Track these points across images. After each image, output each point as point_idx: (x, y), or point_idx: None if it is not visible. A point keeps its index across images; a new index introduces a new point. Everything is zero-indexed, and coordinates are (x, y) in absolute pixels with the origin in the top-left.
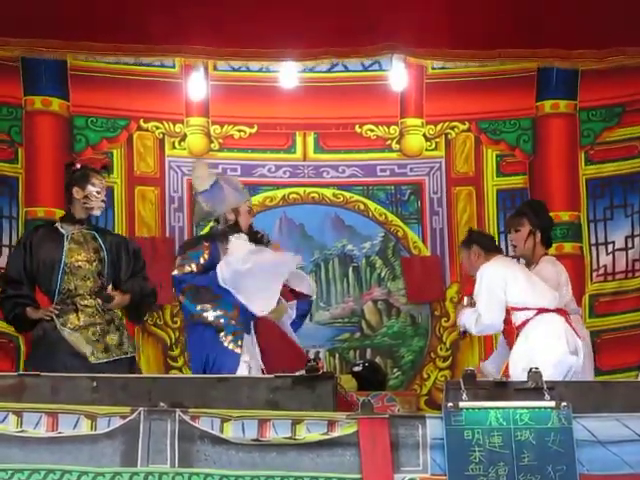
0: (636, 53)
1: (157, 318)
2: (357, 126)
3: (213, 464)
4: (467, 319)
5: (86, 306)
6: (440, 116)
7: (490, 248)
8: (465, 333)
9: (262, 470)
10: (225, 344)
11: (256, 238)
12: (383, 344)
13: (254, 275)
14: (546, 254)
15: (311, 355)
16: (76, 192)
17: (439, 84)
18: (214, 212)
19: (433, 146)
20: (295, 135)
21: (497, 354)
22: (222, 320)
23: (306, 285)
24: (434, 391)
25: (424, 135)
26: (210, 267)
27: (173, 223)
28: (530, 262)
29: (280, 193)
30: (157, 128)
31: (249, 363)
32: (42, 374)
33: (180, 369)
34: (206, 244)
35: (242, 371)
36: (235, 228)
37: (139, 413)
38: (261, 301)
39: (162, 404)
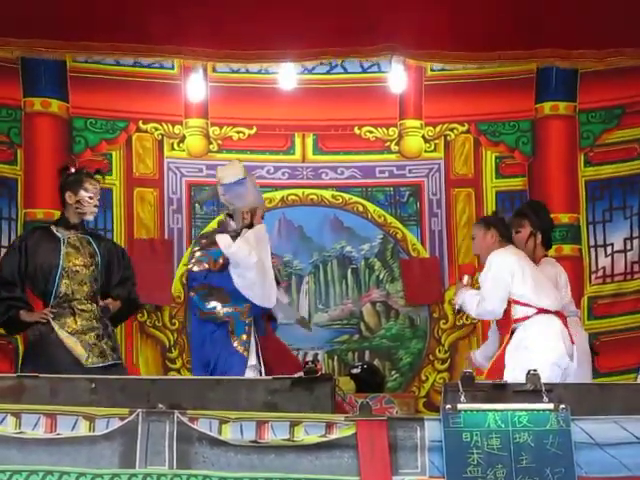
0: (636, 53)
1: (156, 320)
2: (356, 128)
3: (211, 466)
4: (469, 301)
5: (83, 310)
6: (439, 118)
7: (507, 238)
8: (460, 311)
9: (260, 472)
10: (235, 346)
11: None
12: (381, 346)
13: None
14: (546, 256)
15: (309, 357)
16: (69, 197)
17: (438, 86)
18: (230, 205)
19: (432, 148)
20: (294, 136)
21: (487, 344)
22: (233, 316)
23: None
24: (432, 393)
25: (423, 137)
26: (227, 266)
27: (172, 225)
28: None
29: (279, 194)
30: (156, 129)
31: (256, 367)
32: (41, 375)
33: (178, 371)
34: None
35: (249, 375)
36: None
37: (137, 415)
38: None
39: (160, 406)
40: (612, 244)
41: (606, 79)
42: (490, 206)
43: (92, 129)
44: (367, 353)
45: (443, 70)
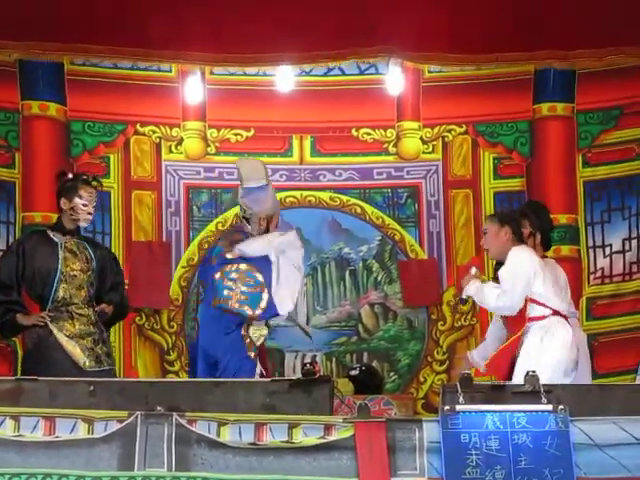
0: (634, 52)
1: (154, 322)
2: (354, 129)
3: (210, 468)
4: (487, 293)
5: (81, 315)
6: (437, 119)
7: (520, 237)
8: (464, 301)
9: (259, 474)
10: (248, 352)
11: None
12: (380, 348)
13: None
14: (545, 256)
15: (307, 359)
16: (63, 203)
17: (436, 87)
18: (247, 209)
19: (430, 149)
20: (292, 138)
21: (485, 344)
22: (241, 314)
23: None
24: (431, 395)
25: (421, 138)
26: None
27: (170, 227)
28: None
29: (277, 196)
30: (154, 132)
31: (262, 373)
32: (39, 378)
33: (177, 373)
34: None
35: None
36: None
37: (136, 417)
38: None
39: (159, 408)
40: (610, 245)
41: (604, 80)
42: (488, 207)
43: (90, 132)
44: (365, 355)
45: (440, 72)
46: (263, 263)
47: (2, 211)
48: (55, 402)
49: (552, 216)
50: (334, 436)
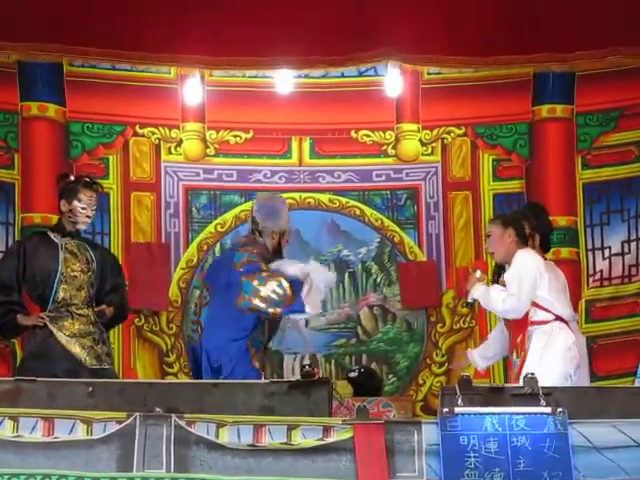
0: (633, 53)
1: (153, 324)
2: (353, 131)
3: (209, 469)
4: (494, 296)
5: (81, 315)
6: (436, 121)
7: (522, 238)
8: (471, 306)
9: (258, 476)
10: (253, 361)
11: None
12: (379, 350)
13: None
14: (544, 258)
15: (306, 361)
16: (63, 205)
17: (435, 89)
18: (260, 223)
19: (429, 151)
20: (291, 140)
21: (487, 344)
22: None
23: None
24: (430, 397)
25: (420, 140)
26: None
27: (169, 229)
28: None
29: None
30: (153, 134)
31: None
32: (38, 379)
33: (176, 375)
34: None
35: None
36: (279, 250)
37: (135, 418)
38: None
39: (158, 409)
40: (610, 247)
41: (603, 82)
42: (487, 209)
43: (89, 133)
44: (364, 357)
45: (439, 74)
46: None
47: (1, 212)
48: (54, 403)
49: (551, 218)
50: (333, 438)
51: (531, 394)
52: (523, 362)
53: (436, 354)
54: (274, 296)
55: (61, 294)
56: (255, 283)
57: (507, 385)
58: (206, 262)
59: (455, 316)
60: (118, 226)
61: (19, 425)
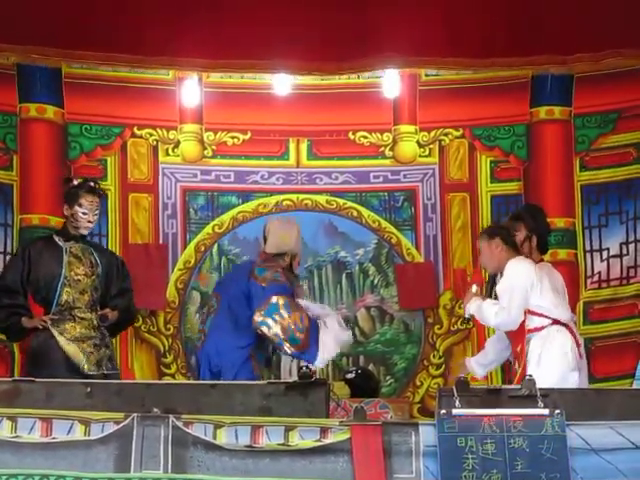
0: (632, 55)
1: (150, 325)
2: (350, 133)
3: (206, 470)
4: (486, 310)
5: (83, 319)
6: (434, 123)
7: (512, 245)
8: (468, 320)
9: (255, 477)
10: (255, 372)
11: (293, 277)
12: (376, 351)
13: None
14: (542, 260)
15: (304, 362)
16: (65, 209)
17: (433, 91)
18: (276, 244)
19: (427, 152)
20: (288, 142)
21: (485, 353)
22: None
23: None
24: (427, 399)
25: (417, 142)
26: None
27: (167, 230)
28: None
29: (273, 200)
30: (151, 135)
31: None
32: (36, 380)
33: (173, 376)
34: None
35: None
36: (291, 271)
37: (133, 419)
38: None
39: (155, 410)
40: (608, 249)
41: (602, 83)
42: (485, 210)
43: (87, 135)
44: (361, 358)
45: (437, 75)
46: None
47: (0, 213)
48: (52, 403)
49: (549, 220)
50: (330, 439)
51: (529, 396)
52: (523, 370)
53: (433, 355)
54: (296, 333)
55: (64, 297)
56: (282, 310)
57: (504, 387)
58: (204, 263)
59: (452, 317)
60: (116, 227)
61: (17, 425)
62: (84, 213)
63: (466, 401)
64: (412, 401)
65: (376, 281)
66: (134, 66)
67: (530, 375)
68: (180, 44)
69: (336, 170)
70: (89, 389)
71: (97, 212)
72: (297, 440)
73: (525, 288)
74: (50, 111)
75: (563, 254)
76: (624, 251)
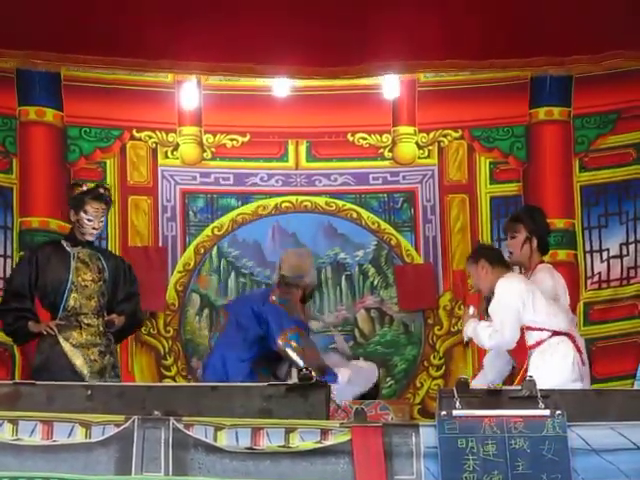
0: (632, 56)
1: (150, 327)
2: (349, 134)
3: (207, 472)
4: (481, 333)
5: (89, 325)
6: (433, 124)
7: (498, 262)
8: (467, 344)
9: (256, 478)
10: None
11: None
12: (376, 352)
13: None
14: (542, 261)
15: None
16: (71, 215)
17: (431, 92)
18: (288, 277)
19: (426, 154)
20: (287, 143)
21: (483, 374)
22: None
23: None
24: (427, 400)
25: (417, 143)
26: None
27: (166, 232)
28: (526, 269)
29: (272, 202)
30: (150, 138)
31: None
32: (37, 383)
33: (173, 378)
34: None
35: None
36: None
37: (133, 421)
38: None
39: (156, 412)
40: (608, 249)
41: (601, 84)
42: (485, 212)
43: (86, 138)
44: (361, 359)
45: (436, 76)
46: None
47: (0, 216)
48: (53, 406)
49: (549, 221)
50: (331, 441)
51: (529, 397)
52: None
53: (434, 357)
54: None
55: (71, 303)
56: (302, 340)
57: (505, 388)
58: (203, 265)
59: (452, 318)
60: (115, 230)
61: (18, 428)
62: (89, 220)
63: (466, 402)
64: (412, 402)
65: (376, 282)
66: (134, 70)
67: (530, 376)
68: (179, 48)
69: (335, 172)
70: (89, 392)
71: (103, 219)
72: (298, 442)
73: (516, 307)
74: (49, 114)
75: (563, 255)
76: (624, 252)
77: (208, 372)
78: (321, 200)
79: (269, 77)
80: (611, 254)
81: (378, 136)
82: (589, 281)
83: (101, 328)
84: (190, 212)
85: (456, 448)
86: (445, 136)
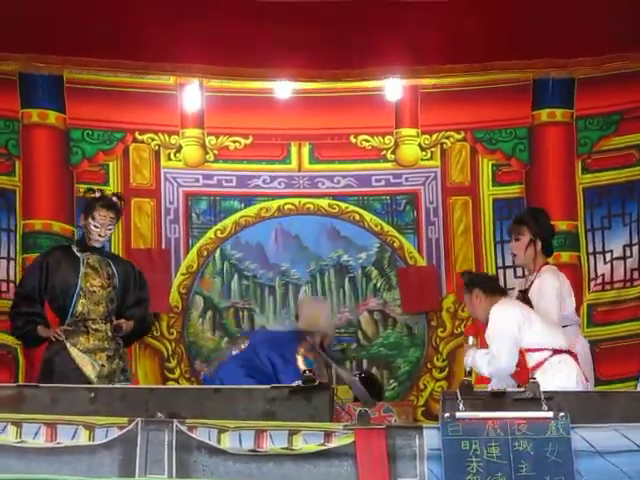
0: (634, 58)
1: (154, 330)
2: (352, 136)
3: (210, 474)
4: (479, 360)
5: (97, 330)
6: (435, 126)
7: (492, 290)
8: (469, 374)
9: None
10: None
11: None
12: (379, 355)
13: None
14: (547, 263)
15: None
16: (81, 219)
17: (434, 94)
18: (307, 322)
19: (428, 156)
20: (290, 146)
21: None
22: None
23: None
24: (431, 402)
25: (419, 145)
26: None
27: (169, 234)
28: (530, 271)
29: (275, 204)
30: (152, 140)
31: None
32: (41, 385)
33: (177, 380)
34: None
35: None
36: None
37: (137, 424)
38: None
39: (159, 415)
40: (611, 251)
41: (603, 85)
42: (487, 214)
43: (89, 140)
44: (365, 362)
45: (439, 78)
46: None
47: (3, 219)
48: (56, 409)
49: (552, 222)
50: (334, 443)
51: (533, 399)
52: None
53: (437, 359)
54: None
55: (79, 308)
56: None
57: (509, 390)
58: (206, 268)
59: (456, 320)
60: (118, 232)
61: (22, 431)
62: (95, 226)
63: (470, 404)
64: (416, 404)
65: (379, 285)
66: (135, 72)
67: (534, 378)
68: (181, 51)
69: (338, 174)
70: (93, 394)
71: (110, 227)
72: (301, 444)
73: (512, 333)
74: (52, 116)
75: (566, 257)
76: (627, 253)
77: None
78: (324, 202)
79: (271, 80)
80: (614, 256)
81: (381, 138)
82: (592, 283)
83: (109, 333)
84: (193, 214)
85: (459, 450)
86: (448, 138)
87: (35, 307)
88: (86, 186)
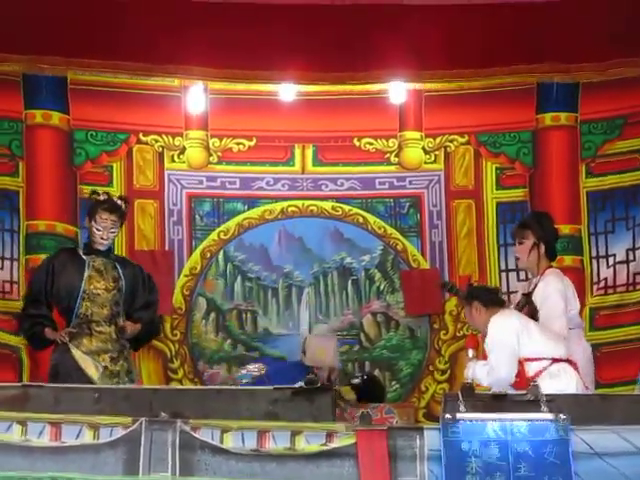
0: (637, 63)
1: None
2: (356, 139)
3: (213, 474)
4: (479, 372)
5: (100, 332)
6: (439, 129)
7: (492, 302)
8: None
9: None
10: None
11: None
12: (382, 357)
13: None
14: (550, 267)
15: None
16: (86, 222)
17: (438, 97)
18: (313, 359)
19: (432, 159)
20: (294, 148)
21: None
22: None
23: None
24: (432, 404)
25: (423, 148)
26: None
27: (172, 236)
28: (534, 275)
29: (279, 206)
30: (156, 141)
31: None
32: (45, 385)
33: (180, 381)
34: None
35: None
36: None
37: (140, 423)
38: None
39: (163, 414)
40: (614, 255)
41: (608, 89)
42: (491, 217)
43: (93, 141)
44: (367, 364)
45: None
46: None
47: (6, 219)
48: (61, 408)
49: (555, 226)
50: (336, 444)
51: (533, 401)
52: None
53: (439, 361)
54: None
55: (83, 310)
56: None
57: (509, 392)
58: (209, 269)
59: (458, 323)
60: (122, 234)
61: (27, 430)
62: (97, 229)
63: (471, 406)
64: (417, 406)
65: (382, 287)
66: (139, 74)
67: (535, 381)
68: (185, 53)
69: (341, 176)
70: (97, 394)
71: (113, 230)
72: (303, 444)
73: (511, 344)
74: (55, 117)
75: (569, 261)
76: (630, 257)
77: None
78: (327, 205)
79: (275, 83)
80: (617, 260)
81: (384, 141)
82: (595, 287)
83: (113, 335)
84: (196, 216)
85: (460, 451)
86: (451, 141)
87: (41, 309)
88: (91, 188)
